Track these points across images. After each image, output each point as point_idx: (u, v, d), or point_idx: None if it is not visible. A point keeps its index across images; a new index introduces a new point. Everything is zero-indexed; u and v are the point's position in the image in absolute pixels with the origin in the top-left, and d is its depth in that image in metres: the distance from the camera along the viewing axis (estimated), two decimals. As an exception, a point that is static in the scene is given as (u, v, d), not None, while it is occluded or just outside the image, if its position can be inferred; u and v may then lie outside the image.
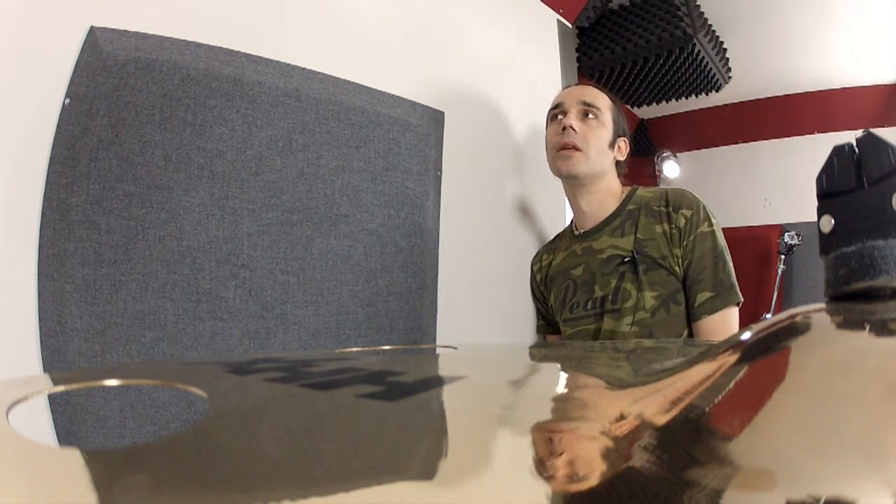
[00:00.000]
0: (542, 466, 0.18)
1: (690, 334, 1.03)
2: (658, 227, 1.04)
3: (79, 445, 0.66)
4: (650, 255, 1.02)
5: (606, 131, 1.10)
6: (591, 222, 1.13)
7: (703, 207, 1.04)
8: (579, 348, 0.65)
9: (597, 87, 1.16)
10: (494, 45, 1.32)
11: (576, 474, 0.18)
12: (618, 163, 1.14)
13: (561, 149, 1.09)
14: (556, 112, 1.13)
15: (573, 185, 1.13)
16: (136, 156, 0.72)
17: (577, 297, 1.10)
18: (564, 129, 1.08)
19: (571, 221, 1.21)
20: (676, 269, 1.01)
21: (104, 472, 0.17)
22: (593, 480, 0.17)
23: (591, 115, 1.10)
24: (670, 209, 1.04)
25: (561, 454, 0.20)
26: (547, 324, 1.25)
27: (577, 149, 1.07)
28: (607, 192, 1.13)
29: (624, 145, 1.15)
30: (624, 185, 1.17)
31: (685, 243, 1.01)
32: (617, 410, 0.24)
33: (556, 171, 1.14)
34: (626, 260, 1.04)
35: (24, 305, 0.64)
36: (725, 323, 0.99)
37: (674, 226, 1.03)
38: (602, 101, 1.12)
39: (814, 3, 2.07)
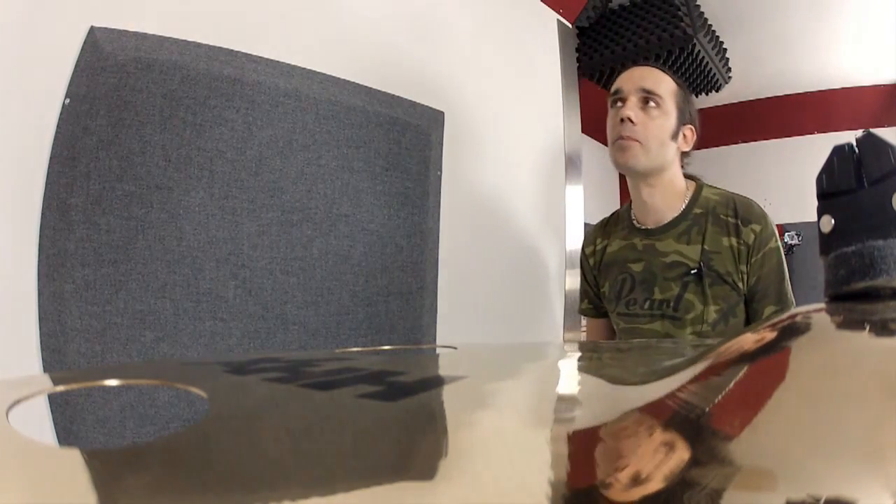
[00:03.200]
0: (542, 467, 0.18)
1: None
2: (725, 239, 1.02)
3: (79, 445, 0.66)
4: (716, 269, 1.01)
5: (669, 120, 1.04)
6: (653, 219, 1.09)
7: (770, 222, 1.02)
8: (580, 348, 0.65)
9: (661, 70, 1.08)
10: (494, 46, 1.32)
11: (576, 475, 0.18)
12: (683, 153, 1.09)
13: (618, 139, 1.03)
14: (615, 98, 1.06)
15: (633, 177, 1.07)
16: (136, 156, 0.72)
17: (634, 293, 1.08)
18: (622, 120, 1.02)
19: (629, 207, 1.16)
20: (740, 284, 1.01)
21: (104, 472, 0.17)
22: (594, 481, 0.17)
23: (651, 104, 1.03)
24: (739, 221, 1.02)
25: (560, 455, 0.20)
26: (593, 307, 1.21)
27: (635, 140, 1.01)
28: (670, 187, 1.08)
29: (690, 133, 1.08)
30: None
31: (753, 260, 1.00)
32: (618, 410, 0.24)
33: (614, 163, 1.08)
34: (691, 272, 1.02)
35: (24, 305, 0.64)
36: None
37: (742, 241, 1.01)
38: (665, 86, 1.05)
39: (814, 3, 2.08)
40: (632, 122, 1.02)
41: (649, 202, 1.09)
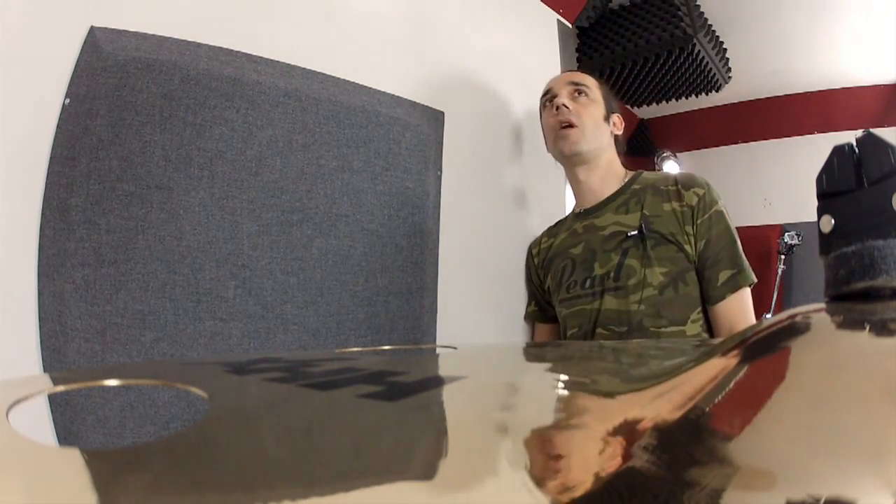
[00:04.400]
0: (542, 468, 0.18)
1: (707, 320, 1.01)
2: (667, 204, 1.03)
3: (79, 445, 0.66)
4: (658, 230, 1.00)
5: (598, 107, 1.13)
6: (592, 199, 1.12)
7: (714, 190, 1.03)
8: (580, 348, 0.65)
9: (581, 71, 1.20)
10: (494, 46, 1.32)
11: (576, 476, 0.18)
12: (616, 139, 1.15)
13: (558, 129, 1.10)
14: (547, 98, 1.16)
15: (574, 163, 1.12)
16: (136, 156, 0.72)
17: (574, 275, 1.08)
18: (558, 108, 1.10)
19: (575, 205, 1.21)
20: (687, 247, 0.99)
21: (104, 472, 0.17)
22: (594, 482, 0.17)
23: (581, 94, 1.12)
24: (679, 187, 1.03)
25: (561, 456, 0.20)
26: (539, 310, 1.22)
27: (572, 125, 1.09)
28: (608, 169, 1.12)
29: (619, 121, 1.16)
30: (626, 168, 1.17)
31: (699, 221, 0.99)
32: (618, 412, 0.24)
33: (558, 153, 1.13)
34: (630, 235, 1.02)
35: (24, 305, 0.64)
36: (744, 305, 0.99)
37: (685, 204, 1.01)
38: (589, 80, 1.15)
39: (814, 2, 2.08)
40: (567, 107, 1.10)
41: (586, 182, 1.13)
